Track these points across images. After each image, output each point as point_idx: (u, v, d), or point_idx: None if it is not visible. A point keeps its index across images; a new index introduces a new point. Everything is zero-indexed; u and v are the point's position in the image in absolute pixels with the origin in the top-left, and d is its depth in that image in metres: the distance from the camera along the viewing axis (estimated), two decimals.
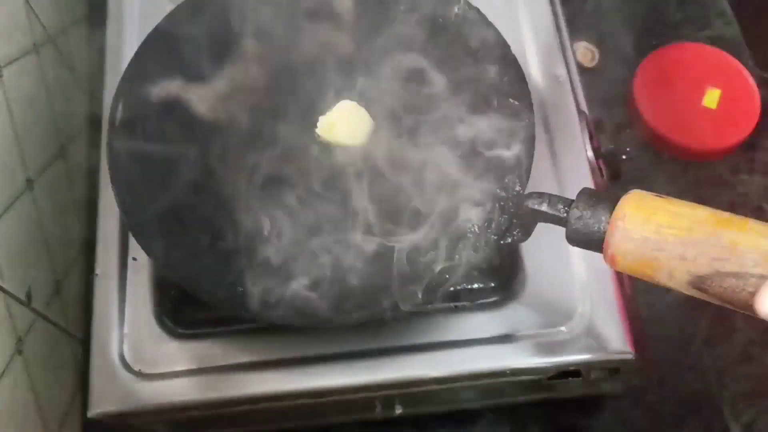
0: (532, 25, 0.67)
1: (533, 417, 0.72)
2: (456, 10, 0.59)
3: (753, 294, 0.35)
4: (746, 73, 0.89)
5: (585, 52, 0.92)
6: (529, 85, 0.56)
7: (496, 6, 0.63)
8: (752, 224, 0.37)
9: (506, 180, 0.52)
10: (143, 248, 0.51)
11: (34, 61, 0.65)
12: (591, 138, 0.63)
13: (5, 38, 0.60)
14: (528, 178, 0.52)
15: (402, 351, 0.55)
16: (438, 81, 0.57)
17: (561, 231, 0.57)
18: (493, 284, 0.58)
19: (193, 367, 0.54)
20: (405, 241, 0.51)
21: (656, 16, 0.96)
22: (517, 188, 0.51)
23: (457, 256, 0.50)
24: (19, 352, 0.56)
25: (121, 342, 0.55)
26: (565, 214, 0.43)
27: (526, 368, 0.55)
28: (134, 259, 0.58)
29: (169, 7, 0.59)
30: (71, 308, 0.68)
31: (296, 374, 0.54)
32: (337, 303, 0.50)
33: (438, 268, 0.50)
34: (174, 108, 0.56)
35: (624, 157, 0.87)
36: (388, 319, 0.55)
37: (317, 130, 0.56)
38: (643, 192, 0.40)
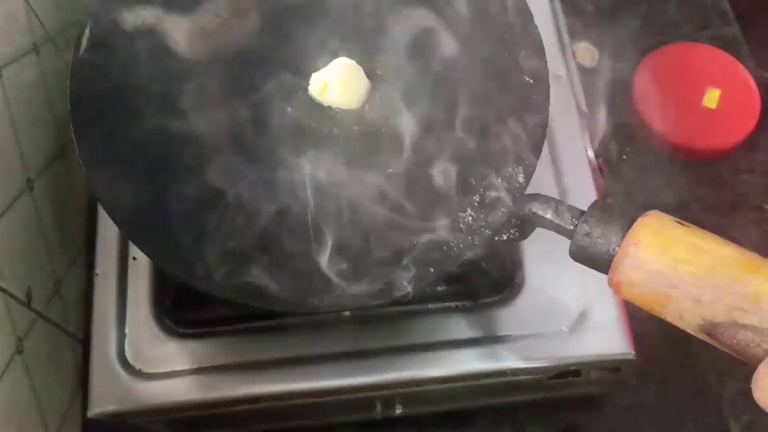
0: None
1: (533, 417, 0.71)
2: None
3: None
4: (746, 73, 0.88)
5: (585, 52, 0.92)
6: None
7: None
8: None
9: (509, 169, 0.47)
10: (102, 202, 0.46)
11: (34, 61, 0.65)
12: (591, 138, 0.63)
13: (5, 38, 0.60)
14: (534, 169, 0.48)
15: (402, 351, 0.55)
16: (448, 45, 0.52)
17: None
18: (492, 284, 0.57)
19: (193, 366, 0.54)
20: (390, 227, 0.48)
21: (656, 16, 0.96)
22: (521, 179, 0.47)
23: (445, 247, 0.47)
24: (19, 352, 0.55)
25: (121, 342, 0.55)
26: (572, 227, 0.39)
27: (526, 368, 0.55)
28: (134, 258, 0.58)
29: None
30: (71, 308, 0.68)
31: (296, 374, 0.54)
32: (310, 290, 0.45)
33: (424, 258, 0.46)
34: (148, 41, 0.50)
35: (624, 157, 0.87)
36: (369, 310, 0.53)
37: (309, 89, 0.52)
38: (663, 216, 0.36)
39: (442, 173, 0.48)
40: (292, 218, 0.49)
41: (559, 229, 0.41)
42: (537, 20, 0.67)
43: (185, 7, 0.52)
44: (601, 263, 0.38)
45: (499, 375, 0.55)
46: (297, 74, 0.53)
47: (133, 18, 0.50)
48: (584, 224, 0.38)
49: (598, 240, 0.37)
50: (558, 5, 0.69)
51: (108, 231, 0.59)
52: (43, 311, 0.61)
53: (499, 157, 0.48)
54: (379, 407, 0.62)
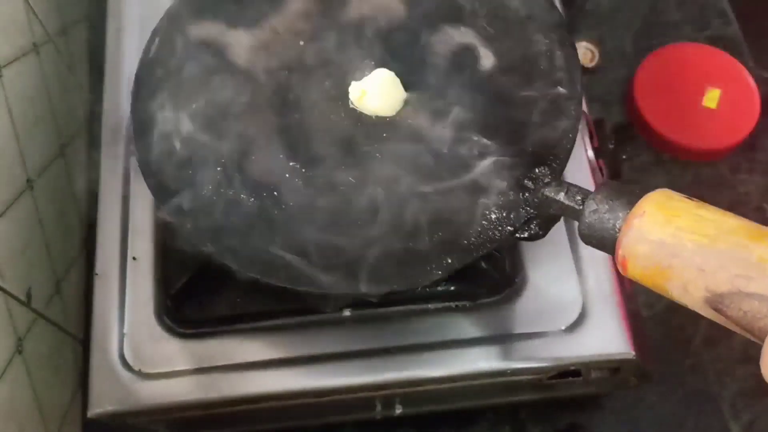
0: None
1: (533, 417, 0.72)
2: None
3: None
4: (746, 73, 0.88)
5: (585, 52, 0.92)
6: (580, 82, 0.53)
7: None
8: None
9: (537, 171, 0.47)
10: (151, 188, 0.50)
11: (34, 61, 0.65)
12: (591, 138, 0.63)
13: (5, 38, 0.60)
14: (562, 172, 0.49)
15: (402, 351, 0.55)
16: (485, 60, 0.55)
17: (562, 230, 0.58)
18: (493, 284, 0.57)
19: (194, 366, 0.54)
20: (415, 222, 0.49)
21: (656, 16, 0.96)
22: (546, 181, 0.47)
23: (465, 242, 0.47)
24: (19, 352, 0.56)
25: (121, 342, 0.55)
26: (580, 206, 0.39)
27: (527, 368, 0.55)
28: (134, 259, 0.58)
29: None
30: (71, 308, 0.68)
31: (296, 374, 0.54)
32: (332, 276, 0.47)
33: (444, 253, 0.47)
34: (209, 51, 0.55)
35: (624, 157, 0.87)
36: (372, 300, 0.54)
37: (349, 96, 0.55)
38: (671, 192, 0.36)
39: (470, 174, 0.50)
40: (328, 213, 0.52)
41: (569, 211, 0.41)
42: None
43: (246, 23, 0.56)
44: (608, 240, 0.37)
45: (499, 375, 0.55)
46: (341, 82, 0.56)
47: (199, 31, 0.55)
48: (591, 201, 0.38)
49: (605, 216, 0.37)
50: (558, 5, 0.69)
51: (108, 231, 0.59)
52: (43, 311, 0.61)
53: (528, 159, 0.49)
54: (379, 407, 0.62)
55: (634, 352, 0.54)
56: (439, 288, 0.57)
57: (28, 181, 0.61)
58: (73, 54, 0.76)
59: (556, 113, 0.51)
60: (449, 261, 0.47)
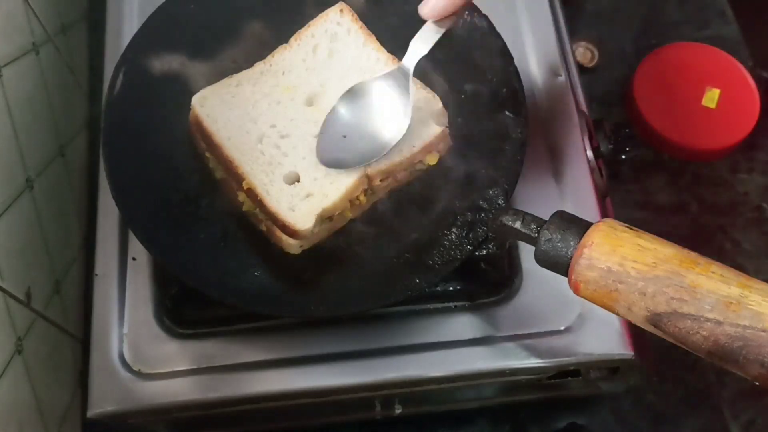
0: (532, 25, 0.67)
1: (533, 417, 0.72)
2: (465, 16, 0.58)
3: (706, 338, 0.35)
4: (746, 73, 0.88)
5: (585, 52, 0.92)
6: (526, 96, 0.56)
7: (496, 6, 0.63)
8: (716, 268, 0.37)
9: (490, 192, 0.53)
10: (129, 224, 0.52)
11: (34, 61, 0.65)
12: (591, 138, 0.63)
13: (5, 38, 0.60)
14: (512, 192, 0.53)
15: (402, 351, 0.55)
16: (437, 86, 0.57)
17: None
18: (492, 284, 0.57)
19: (193, 367, 0.54)
20: (380, 244, 0.52)
21: (656, 16, 0.96)
22: (500, 201, 0.52)
23: (430, 261, 0.51)
24: (19, 352, 0.56)
25: (121, 342, 0.55)
26: (536, 234, 0.44)
27: (526, 368, 0.55)
28: (134, 259, 0.58)
29: None
30: (71, 308, 0.68)
31: (296, 374, 0.54)
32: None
33: (410, 271, 0.51)
34: (173, 84, 0.56)
35: (624, 157, 0.87)
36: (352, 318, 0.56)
37: None
38: (615, 222, 0.41)
39: (433, 198, 0.54)
40: None
41: (525, 237, 0.45)
42: (537, 20, 0.67)
43: (204, 54, 0.58)
44: (561, 265, 0.42)
45: (499, 375, 0.55)
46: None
47: (160, 64, 0.57)
48: (546, 231, 0.42)
49: (558, 244, 0.42)
50: (558, 5, 0.69)
51: (108, 231, 0.59)
52: (43, 311, 0.61)
53: (482, 182, 0.53)
54: (378, 407, 0.62)
55: (633, 352, 0.54)
56: (439, 288, 0.57)
57: (27, 180, 0.61)
58: (73, 54, 0.76)
59: (505, 137, 0.55)
60: (417, 281, 0.51)
